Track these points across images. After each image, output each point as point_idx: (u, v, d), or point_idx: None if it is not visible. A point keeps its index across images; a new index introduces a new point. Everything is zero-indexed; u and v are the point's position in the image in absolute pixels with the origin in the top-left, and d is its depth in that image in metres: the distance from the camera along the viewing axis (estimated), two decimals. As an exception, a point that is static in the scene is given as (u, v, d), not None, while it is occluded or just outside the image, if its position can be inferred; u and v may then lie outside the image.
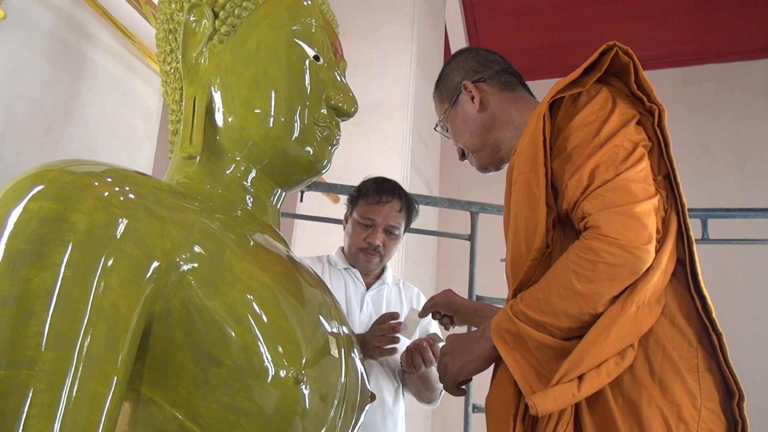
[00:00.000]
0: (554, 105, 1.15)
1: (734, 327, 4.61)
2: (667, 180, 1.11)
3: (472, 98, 1.38)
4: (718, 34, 5.17)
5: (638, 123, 1.11)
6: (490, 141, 1.38)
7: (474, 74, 1.42)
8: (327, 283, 1.95)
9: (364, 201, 1.94)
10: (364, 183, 2.01)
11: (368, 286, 2.03)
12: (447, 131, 1.48)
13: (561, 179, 1.09)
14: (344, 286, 2.00)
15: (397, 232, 1.95)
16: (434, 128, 1.54)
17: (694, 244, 1.07)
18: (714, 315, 1.03)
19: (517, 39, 5.52)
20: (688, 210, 2.78)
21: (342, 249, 2.06)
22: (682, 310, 1.04)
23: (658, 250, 1.02)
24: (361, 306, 1.98)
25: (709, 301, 1.04)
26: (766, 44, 5.18)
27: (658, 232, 1.03)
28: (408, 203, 1.97)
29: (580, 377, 0.97)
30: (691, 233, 1.08)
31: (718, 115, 5.26)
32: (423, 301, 2.08)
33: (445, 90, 1.46)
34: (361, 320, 1.95)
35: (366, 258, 1.94)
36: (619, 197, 1.00)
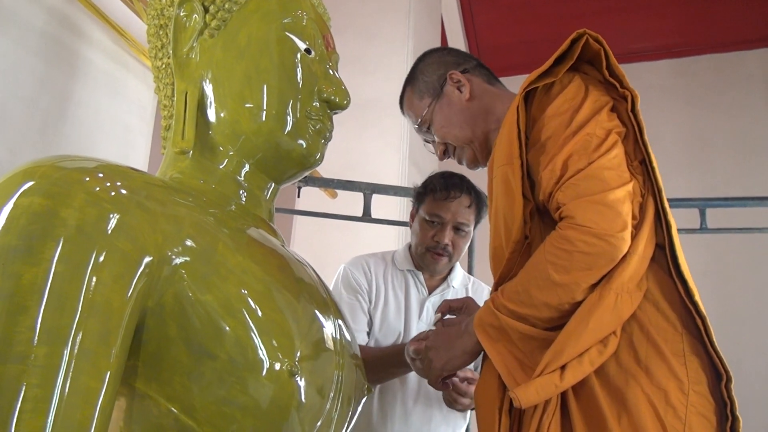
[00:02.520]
0: (528, 96, 1.15)
1: (733, 316, 4.63)
2: (643, 165, 1.11)
3: (459, 89, 1.35)
4: (714, 25, 5.16)
5: (612, 109, 1.11)
6: (478, 132, 1.34)
7: (457, 66, 1.39)
8: (388, 283, 1.87)
9: (431, 197, 1.82)
10: (430, 178, 1.89)
11: (431, 290, 1.89)
12: (427, 130, 1.41)
13: (536, 170, 1.09)
14: (405, 289, 1.88)
15: (467, 230, 1.82)
16: (414, 126, 1.46)
17: (674, 228, 1.07)
18: (697, 298, 1.03)
19: (515, 32, 5.51)
20: (686, 200, 2.77)
21: (409, 247, 1.93)
22: (665, 294, 1.04)
23: (634, 236, 1.02)
24: (420, 313, 1.86)
25: (692, 285, 1.04)
26: (762, 34, 5.17)
27: (634, 218, 1.03)
28: (477, 198, 1.84)
29: (563, 367, 0.97)
30: (670, 218, 1.07)
31: (714, 105, 5.25)
32: None
33: (424, 85, 1.40)
34: (419, 328, 1.82)
35: (434, 259, 1.81)
36: (591, 185, 1.00)
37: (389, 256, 1.96)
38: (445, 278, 1.92)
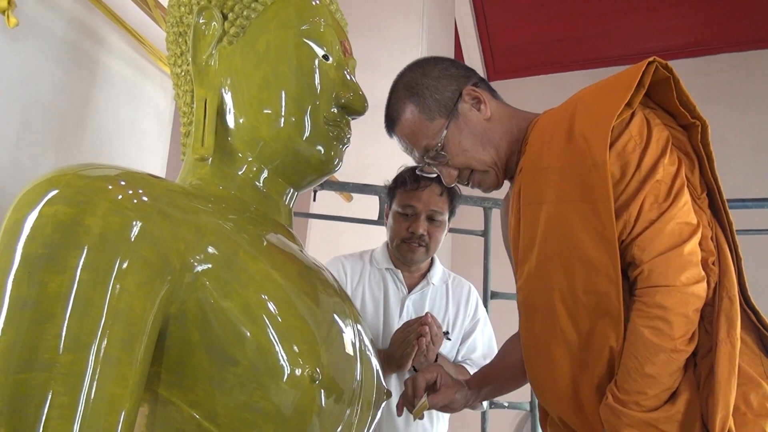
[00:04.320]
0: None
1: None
2: (709, 197, 1.08)
3: (475, 107, 1.21)
4: (732, 23, 5.12)
5: (673, 143, 1.07)
6: (502, 154, 1.22)
7: (466, 80, 1.24)
8: (365, 283, 1.86)
9: (402, 189, 1.81)
10: (400, 173, 1.87)
11: (411, 288, 1.88)
12: (435, 158, 1.22)
13: None
14: (383, 288, 1.87)
15: (440, 218, 1.80)
16: (424, 157, 1.25)
17: (743, 261, 1.06)
18: None
19: (529, 33, 5.50)
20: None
21: (387, 245, 1.92)
22: (740, 321, 1.02)
23: (730, 279, 1.00)
24: (400, 311, 1.84)
25: (762, 315, 1.04)
26: (780, 32, 5.13)
27: (711, 254, 1.02)
28: (449, 187, 1.77)
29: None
30: (740, 251, 1.06)
31: (732, 104, 5.21)
32: (474, 301, 1.93)
33: (435, 103, 1.21)
34: (399, 326, 1.77)
35: (410, 249, 1.79)
36: (666, 240, 0.98)
37: (367, 255, 1.96)
38: (424, 275, 1.91)
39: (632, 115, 1.05)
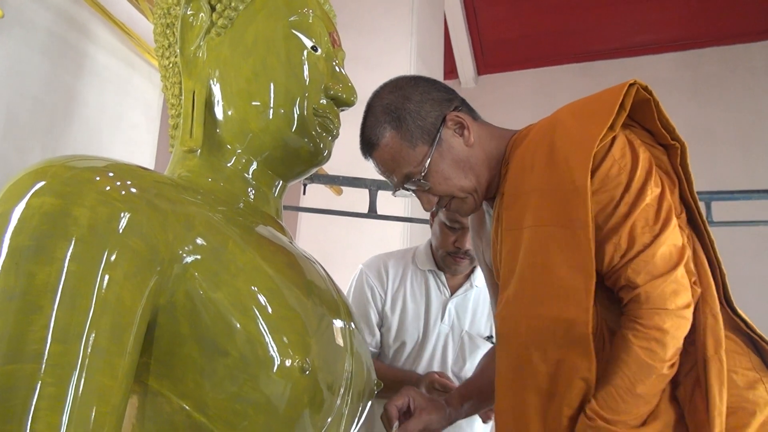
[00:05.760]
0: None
1: (740, 309, 4.61)
2: (688, 216, 1.09)
3: (458, 132, 1.18)
4: (718, 17, 5.14)
5: (654, 163, 1.07)
6: (482, 180, 1.19)
7: (449, 104, 1.19)
8: (406, 286, 1.84)
9: None
10: None
11: (453, 291, 1.87)
12: (416, 184, 1.19)
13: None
14: (425, 291, 1.86)
15: None
16: (402, 187, 1.22)
17: (726, 276, 1.07)
18: (760, 332, 1.04)
19: (518, 26, 5.50)
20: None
21: (430, 245, 1.90)
22: (724, 323, 1.03)
23: (711, 295, 1.02)
24: (442, 315, 1.84)
25: (750, 321, 1.05)
26: (766, 26, 5.16)
27: (692, 274, 1.03)
28: None
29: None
30: (723, 267, 1.07)
31: (719, 98, 5.24)
32: None
33: (418, 130, 1.16)
34: (441, 330, 1.82)
35: (455, 261, 1.80)
36: (661, 265, 0.99)
37: (410, 255, 1.94)
38: (468, 277, 1.90)
39: (613, 139, 1.04)
